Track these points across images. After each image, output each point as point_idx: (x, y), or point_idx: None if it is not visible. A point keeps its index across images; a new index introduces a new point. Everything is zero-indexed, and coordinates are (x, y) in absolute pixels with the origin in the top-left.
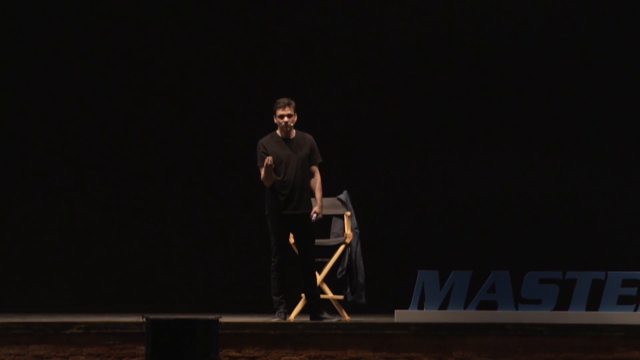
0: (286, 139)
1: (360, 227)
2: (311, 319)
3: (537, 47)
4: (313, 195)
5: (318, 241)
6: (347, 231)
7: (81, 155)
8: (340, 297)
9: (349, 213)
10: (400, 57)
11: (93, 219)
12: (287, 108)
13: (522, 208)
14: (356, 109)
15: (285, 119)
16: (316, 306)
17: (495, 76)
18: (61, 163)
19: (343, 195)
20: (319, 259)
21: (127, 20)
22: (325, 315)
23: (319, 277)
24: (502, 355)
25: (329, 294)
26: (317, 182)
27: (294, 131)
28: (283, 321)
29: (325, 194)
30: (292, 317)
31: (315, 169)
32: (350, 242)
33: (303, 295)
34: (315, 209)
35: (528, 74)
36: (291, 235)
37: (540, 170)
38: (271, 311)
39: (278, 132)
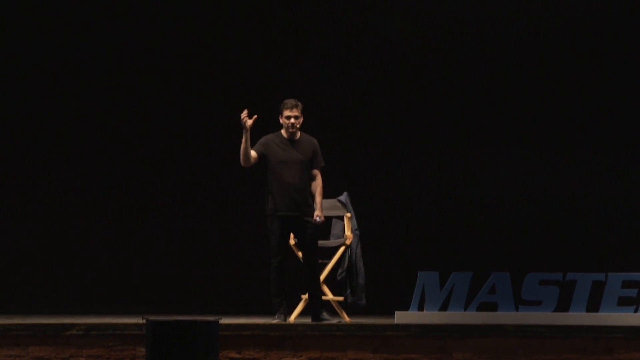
0: (290, 140)
1: (361, 229)
2: (312, 319)
3: (538, 47)
4: (314, 198)
5: (318, 242)
6: (347, 233)
7: (81, 156)
8: (341, 298)
9: (349, 214)
10: (400, 57)
11: (93, 220)
12: (294, 109)
13: (522, 209)
14: (356, 110)
15: (292, 120)
16: (317, 307)
17: (493, 77)
18: (61, 164)
19: (343, 197)
20: (320, 261)
21: (128, 22)
22: (326, 316)
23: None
24: (502, 356)
25: (329, 296)
26: (318, 186)
27: (299, 133)
28: (283, 322)
29: (326, 195)
30: (292, 318)
31: (316, 172)
32: (350, 244)
33: (303, 296)
34: (317, 212)
35: (527, 74)
36: (293, 236)
37: (541, 171)
38: (271, 312)
39: (283, 132)
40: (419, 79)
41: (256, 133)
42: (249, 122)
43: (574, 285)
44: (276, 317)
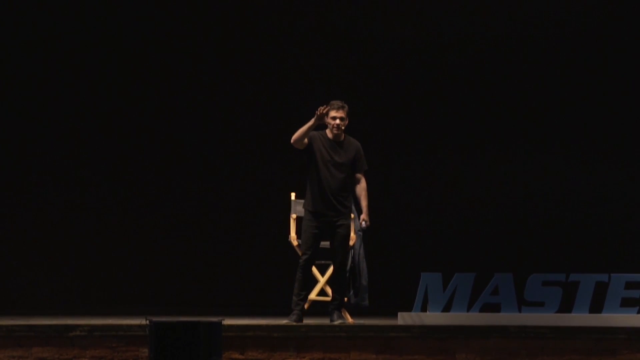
0: (335, 142)
1: (363, 230)
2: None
3: (540, 49)
4: (356, 201)
5: (321, 244)
6: (351, 234)
7: (83, 157)
8: (344, 299)
9: (352, 215)
10: (402, 59)
11: (96, 221)
12: (340, 111)
13: (525, 210)
14: (359, 112)
15: (337, 121)
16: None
17: (497, 78)
18: (64, 165)
19: None
20: (322, 262)
21: (130, 22)
22: (335, 317)
23: (322, 280)
24: (505, 357)
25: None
26: (363, 190)
27: (343, 135)
28: (291, 324)
29: None
30: None
31: (360, 176)
32: (354, 245)
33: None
34: (363, 216)
35: (531, 75)
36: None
37: (544, 172)
38: (273, 313)
39: (328, 132)
40: (418, 81)
41: (257, 135)
42: (324, 117)
43: (577, 286)
44: (288, 317)
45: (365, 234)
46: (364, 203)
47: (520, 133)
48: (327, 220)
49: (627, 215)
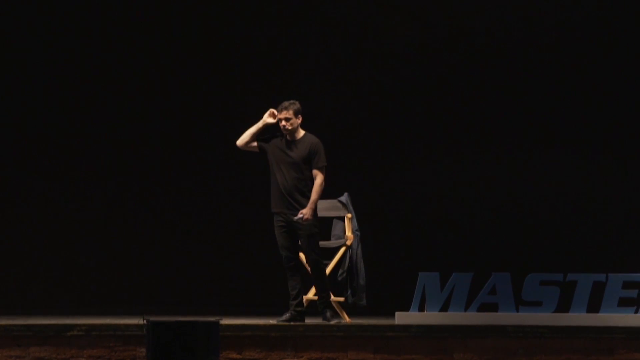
0: (289, 141)
1: (361, 229)
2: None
3: (539, 49)
4: (350, 199)
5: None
6: (348, 233)
7: (82, 157)
8: (341, 299)
9: (349, 215)
10: (401, 59)
11: (94, 220)
12: (283, 111)
13: (523, 210)
14: (357, 111)
15: (283, 122)
16: (321, 306)
17: (495, 78)
18: (62, 165)
19: (344, 198)
20: None
21: (129, 22)
22: (328, 316)
23: None
24: (503, 357)
25: (330, 296)
26: (316, 185)
27: (301, 133)
28: (282, 323)
29: (326, 196)
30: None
31: (315, 172)
32: (351, 244)
33: (304, 297)
34: (303, 210)
35: (529, 75)
36: None
37: (541, 172)
38: (271, 313)
39: None
40: (418, 80)
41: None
42: (269, 119)
43: (574, 285)
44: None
45: (363, 234)
46: (312, 197)
47: (518, 133)
48: (287, 219)
49: (625, 215)
